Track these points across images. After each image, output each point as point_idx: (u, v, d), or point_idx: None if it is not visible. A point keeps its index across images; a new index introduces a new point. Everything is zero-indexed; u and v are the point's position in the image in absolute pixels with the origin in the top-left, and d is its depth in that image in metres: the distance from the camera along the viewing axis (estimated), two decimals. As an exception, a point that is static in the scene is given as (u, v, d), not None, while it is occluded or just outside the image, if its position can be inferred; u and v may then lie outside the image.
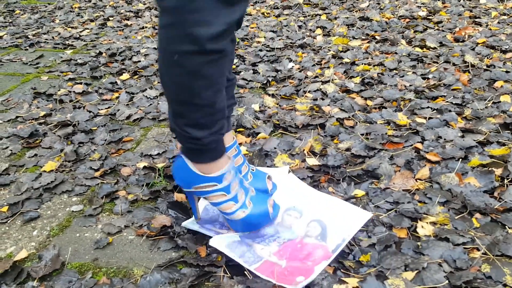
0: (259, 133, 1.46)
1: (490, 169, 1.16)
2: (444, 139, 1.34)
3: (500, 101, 1.55)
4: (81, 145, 1.46)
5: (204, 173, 0.93)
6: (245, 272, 0.92)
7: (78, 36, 2.73)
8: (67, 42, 2.60)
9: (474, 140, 1.31)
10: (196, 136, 0.86)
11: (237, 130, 1.50)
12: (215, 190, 0.94)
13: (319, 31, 2.52)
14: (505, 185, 1.12)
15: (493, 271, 0.88)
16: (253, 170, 1.15)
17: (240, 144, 1.40)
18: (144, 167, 1.31)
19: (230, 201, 0.96)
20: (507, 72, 1.77)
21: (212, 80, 0.82)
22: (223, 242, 0.97)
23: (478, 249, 0.94)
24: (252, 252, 0.96)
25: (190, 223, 1.05)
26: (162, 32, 0.80)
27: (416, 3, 2.95)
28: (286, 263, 0.93)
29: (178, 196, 1.15)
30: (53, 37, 2.73)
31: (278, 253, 0.96)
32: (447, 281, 0.85)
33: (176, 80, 0.82)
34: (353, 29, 2.51)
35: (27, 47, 2.53)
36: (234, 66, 2.08)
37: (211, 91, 0.83)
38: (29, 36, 2.75)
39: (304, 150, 1.34)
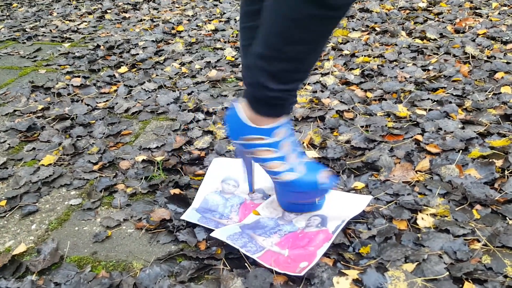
0: (258, 125, 1.45)
1: (490, 160, 1.16)
2: (445, 130, 1.34)
3: (500, 92, 1.54)
4: (79, 138, 1.45)
5: (257, 125, 0.90)
6: (246, 264, 0.91)
7: (76, 29, 2.71)
8: (64, 35, 2.58)
9: (475, 132, 1.30)
10: (271, 88, 0.83)
11: (236, 122, 1.49)
12: (263, 145, 0.91)
13: (318, 23, 2.49)
14: (506, 176, 1.11)
15: (494, 262, 0.87)
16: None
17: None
18: (143, 161, 1.30)
19: (278, 160, 0.92)
20: (507, 63, 1.76)
21: (317, 36, 0.79)
22: (225, 233, 0.97)
23: (478, 241, 0.93)
24: (254, 243, 0.95)
25: (189, 216, 1.04)
26: None
27: (416, -6, 2.93)
28: (288, 252, 0.93)
29: (177, 190, 1.15)
30: (50, 30, 2.71)
31: (280, 244, 0.96)
32: (447, 273, 0.85)
33: (282, 22, 0.77)
34: (352, 21, 2.49)
35: (25, 41, 2.52)
36: (233, 59, 2.07)
37: (309, 47, 0.80)
38: (26, 30, 2.73)
39: (303, 142, 1.33)
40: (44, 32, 2.66)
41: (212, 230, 0.98)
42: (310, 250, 0.92)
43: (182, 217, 1.04)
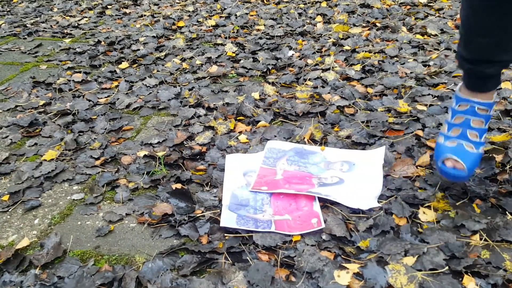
0: (259, 121, 1.45)
1: (490, 155, 1.16)
2: (445, 126, 1.34)
3: (500, 88, 1.54)
4: (81, 134, 1.46)
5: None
6: (247, 258, 0.92)
7: (76, 24, 2.71)
8: (65, 31, 2.58)
9: (475, 127, 1.31)
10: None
11: (237, 118, 1.50)
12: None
13: (319, 18, 2.50)
14: (506, 171, 1.12)
15: (493, 256, 0.88)
16: None
17: (240, 132, 1.40)
18: (145, 156, 1.31)
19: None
20: (508, 58, 1.76)
21: None
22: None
23: (478, 235, 0.94)
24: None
25: (227, 221, 1.02)
26: None
27: (417, -11, 2.92)
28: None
29: (179, 185, 1.15)
30: (51, 25, 2.71)
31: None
32: (447, 267, 0.86)
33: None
34: (353, 16, 2.49)
35: (26, 36, 2.52)
36: (233, 54, 2.07)
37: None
38: (27, 25, 2.73)
39: (304, 138, 1.34)
40: (44, 28, 2.66)
41: (251, 231, 0.99)
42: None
43: (221, 225, 1.00)
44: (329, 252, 0.92)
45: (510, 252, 0.89)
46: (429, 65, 1.79)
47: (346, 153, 1.24)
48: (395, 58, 1.89)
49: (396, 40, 2.08)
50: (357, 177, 1.14)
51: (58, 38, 2.49)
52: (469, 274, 0.84)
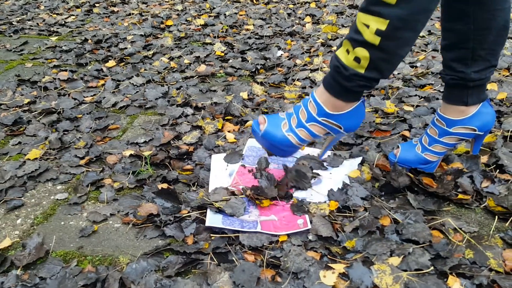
0: (247, 121, 1.45)
1: (476, 155, 1.17)
2: (431, 126, 1.35)
3: (487, 89, 1.55)
4: (66, 132, 1.44)
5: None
6: (233, 259, 0.91)
7: (63, 22, 2.68)
8: (52, 29, 2.55)
9: (461, 128, 1.31)
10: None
11: (225, 118, 1.49)
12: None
13: (308, 19, 2.50)
14: (492, 171, 1.13)
15: (477, 256, 0.88)
16: None
17: (229, 132, 1.39)
18: (130, 155, 1.29)
19: None
20: (494, 60, 1.78)
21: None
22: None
23: (460, 234, 0.94)
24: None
25: (212, 221, 1.00)
26: None
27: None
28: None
29: (165, 185, 1.14)
30: (37, 23, 2.67)
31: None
32: (432, 267, 0.86)
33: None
34: (342, 17, 2.49)
35: (11, 34, 2.48)
36: (222, 54, 2.06)
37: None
38: (13, 23, 2.69)
39: (292, 137, 1.33)
40: (31, 26, 2.62)
41: (238, 231, 0.98)
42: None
43: (207, 224, 0.99)
44: (315, 252, 0.92)
45: (493, 250, 0.89)
46: (416, 66, 1.80)
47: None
48: (383, 59, 1.89)
49: (384, 41, 2.09)
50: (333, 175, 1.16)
51: (44, 36, 2.46)
52: (453, 275, 0.84)
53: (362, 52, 0.86)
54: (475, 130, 1.04)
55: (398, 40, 0.84)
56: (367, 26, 0.83)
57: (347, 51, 0.89)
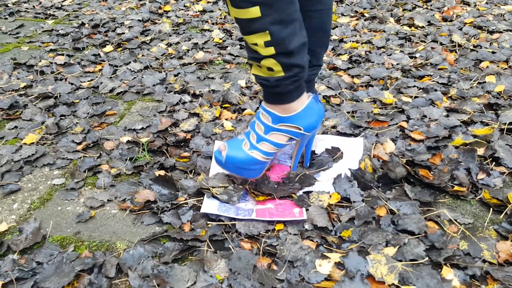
0: (245, 109, 1.44)
1: (473, 148, 1.17)
2: (429, 118, 1.35)
3: (485, 82, 1.56)
4: (63, 117, 1.43)
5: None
6: (230, 246, 0.92)
7: (60, 5, 2.64)
8: (48, 12, 2.51)
9: (459, 120, 1.32)
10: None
11: (223, 106, 1.49)
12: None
13: (307, 7, 2.48)
14: (488, 163, 1.14)
15: (471, 247, 0.89)
16: None
17: (226, 119, 1.39)
18: (128, 142, 1.29)
19: None
20: (493, 52, 1.78)
21: None
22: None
23: (455, 225, 0.95)
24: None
25: (208, 207, 1.00)
26: None
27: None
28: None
29: (162, 172, 1.14)
30: (34, 6, 2.64)
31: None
32: (427, 258, 0.87)
33: None
34: (342, 6, 2.48)
35: (7, 16, 2.44)
36: (220, 41, 2.05)
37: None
38: (8, 5, 2.65)
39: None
40: (27, 8, 2.59)
41: (234, 219, 0.99)
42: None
43: (202, 210, 1.00)
44: (311, 241, 0.93)
45: (487, 242, 0.90)
46: (415, 57, 1.80)
47: (327, 139, 1.24)
48: (382, 49, 1.89)
49: (384, 31, 2.08)
50: (339, 164, 1.16)
51: (41, 19, 2.43)
52: (447, 265, 0.85)
53: (269, 62, 0.88)
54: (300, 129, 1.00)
55: (284, 33, 0.84)
56: (256, 45, 0.86)
57: (259, 67, 0.91)
